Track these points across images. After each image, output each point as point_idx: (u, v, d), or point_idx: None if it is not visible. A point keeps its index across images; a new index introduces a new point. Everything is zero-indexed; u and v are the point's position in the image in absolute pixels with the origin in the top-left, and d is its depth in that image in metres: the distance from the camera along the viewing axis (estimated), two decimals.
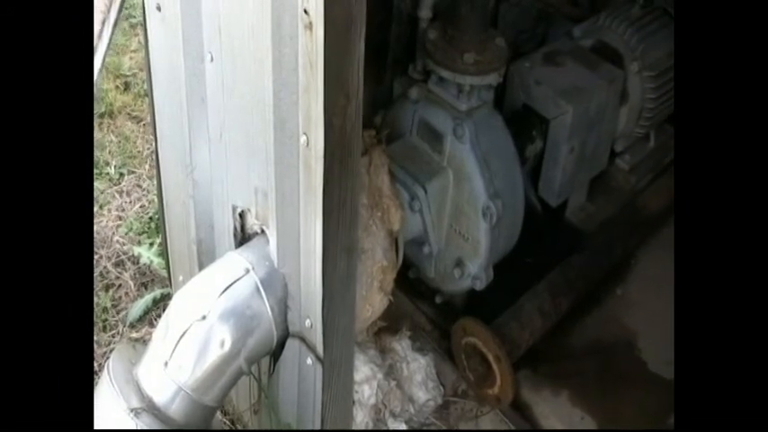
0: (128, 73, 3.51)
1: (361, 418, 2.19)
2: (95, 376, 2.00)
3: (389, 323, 2.33)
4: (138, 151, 3.19)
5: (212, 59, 1.63)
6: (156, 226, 2.75)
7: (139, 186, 3.03)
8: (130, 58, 3.58)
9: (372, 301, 1.94)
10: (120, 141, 3.23)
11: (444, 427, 2.37)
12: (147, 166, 3.10)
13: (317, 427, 1.83)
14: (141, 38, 2.33)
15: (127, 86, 3.45)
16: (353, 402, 2.11)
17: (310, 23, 1.36)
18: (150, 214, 2.88)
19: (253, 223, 1.72)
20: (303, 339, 1.73)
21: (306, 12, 1.35)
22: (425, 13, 2.28)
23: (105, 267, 2.72)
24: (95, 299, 2.57)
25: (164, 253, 2.36)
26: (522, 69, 2.51)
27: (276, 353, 1.78)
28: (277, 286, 1.69)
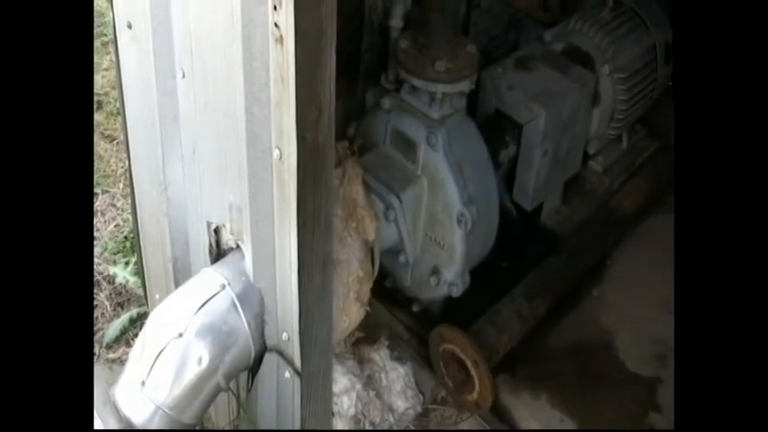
0: (100, 92, 3.47)
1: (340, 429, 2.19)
2: None
3: (367, 333, 2.33)
4: (112, 170, 3.15)
5: (184, 76, 1.63)
6: (132, 245, 2.73)
7: (114, 206, 3.00)
8: (102, 77, 3.54)
9: (349, 312, 1.94)
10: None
11: None
12: (120, 185, 3.06)
13: None
14: (113, 56, 2.32)
15: (99, 105, 3.41)
16: (333, 414, 2.11)
17: (281, 37, 1.36)
18: (125, 233, 2.86)
19: (228, 239, 1.72)
20: (281, 353, 1.73)
21: (276, 25, 1.35)
22: (396, 22, 2.28)
23: None
24: None
25: (139, 272, 2.34)
26: (494, 75, 2.51)
27: (254, 368, 1.78)
28: (253, 301, 1.68)
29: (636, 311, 2.69)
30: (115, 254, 2.81)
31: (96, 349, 2.54)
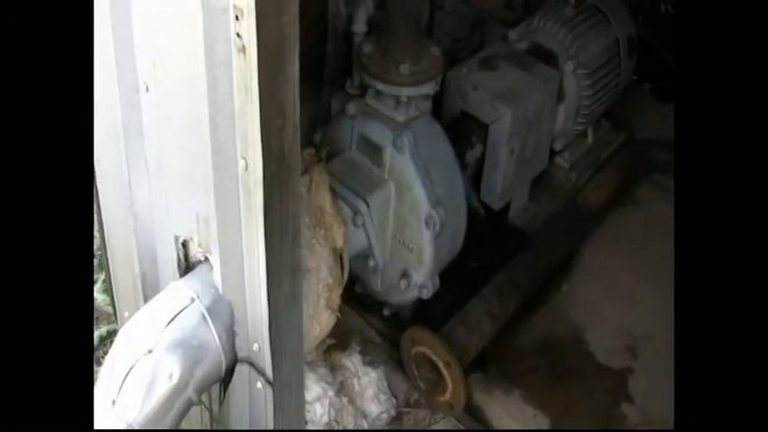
0: None
1: None
2: None
3: (339, 340, 2.33)
4: None
5: (147, 90, 1.61)
6: (99, 263, 2.69)
7: None
8: None
9: (320, 319, 1.94)
10: None
11: None
12: None
13: None
14: None
15: None
16: (306, 422, 2.10)
17: (243, 47, 1.34)
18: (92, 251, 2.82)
19: (196, 251, 1.70)
20: (252, 364, 1.72)
21: (238, 35, 1.34)
22: (360, 27, 2.28)
23: None
24: None
25: (108, 289, 2.32)
26: (458, 76, 2.52)
27: (226, 380, 1.76)
28: (223, 313, 1.67)
29: (605, 305, 2.71)
30: None
31: None
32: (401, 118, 2.22)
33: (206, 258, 1.69)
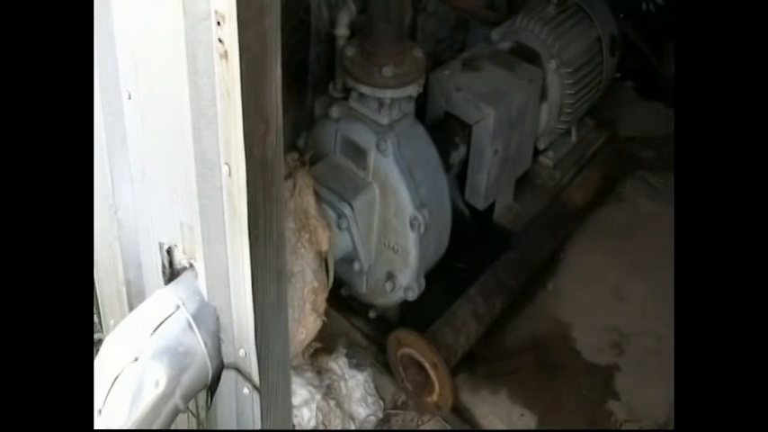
0: None
1: None
2: None
3: (325, 343, 2.33)
4: None
5: (130, 97, 1.60)
6: None
7: None
8: None
9: (306, 323, 1.94)
10: None
11: None
12: None
13: None
14: None
15: None
16: (293, 426, 2.10)
17: (225, 52, 1.34)
18: None
19: (181, 258, 1.70)
20: (238, 370, 1.71)
21: (220, 41, 1.34)
22: (342, 31, 2.28)
23: None
24: None
25: (93, 298, 2.31)
26: (441, 77, 2.52)
27: (212, 386, 1.76)
28: (209, 319, 1.66)
29: (590, 302, 2.72)
30: None
31: None
32: (384, 120, 2.22)
33: (191, 265, 1.69)
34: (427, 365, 2.33)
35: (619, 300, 2.72)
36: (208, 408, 1.84)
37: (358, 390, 2.32)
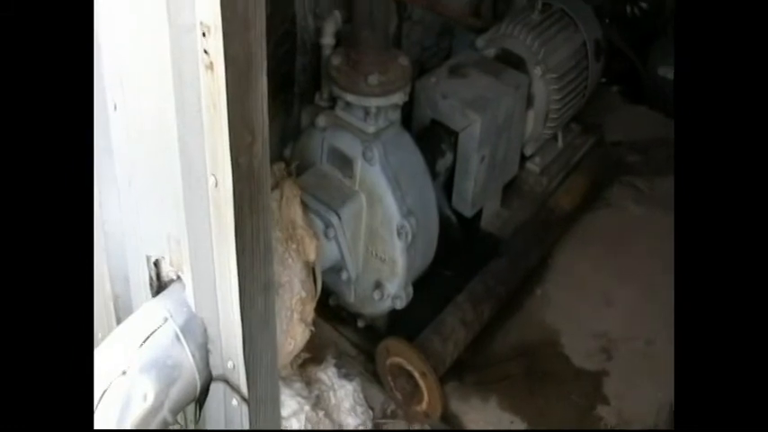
0: None
1: None
2: None
3: (314, 353, 2.32)
4: None
5: (116, 108, 1.60)
6: None
7: None
8: None
9: (294, 333, 1.93)
10: None
11: None
12: None
13: None
14: None
15: None
16: None
17: (211, 63, 1.34)
18: None
19: (168, 271, 1.69)
20: (227, 381, 1.71)
21: (206, 52, 1.33)
22: (328, 40, 2.28)
23: None
24: None
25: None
26: (427, 85, 2.52)
27: (201, 399, 1.75)
28: (197, 331, 1.65)
29: (579, 307, 2.72)
30: None
31: None
32: (371, 129, 2.22)
33: (178, 277, 1.68)
34: (416, 374, 2.33)
35: (607, 305, 2.72)
36: (196, 420, 1.83)
37: (347, 400, 2.32)
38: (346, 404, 2.31)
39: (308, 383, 2.28)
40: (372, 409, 2.39)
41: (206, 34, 1.31)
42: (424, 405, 2.36)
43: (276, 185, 1.92)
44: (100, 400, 1.57)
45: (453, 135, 2.49)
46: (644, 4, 3.68)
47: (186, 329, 1.64)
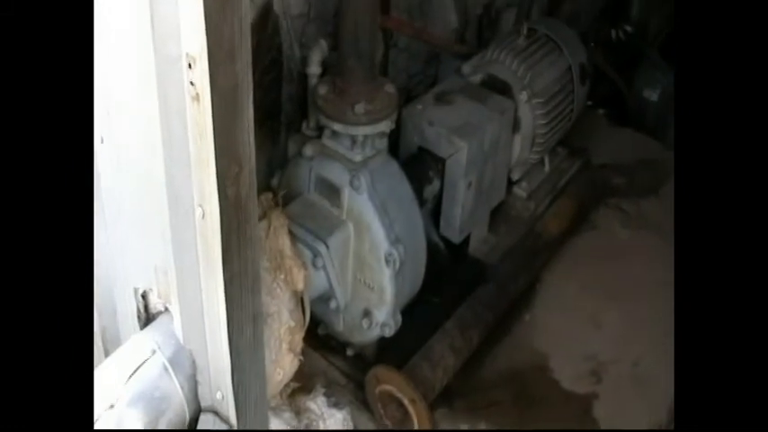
0: None
1: None
2: None
3: (303, 382, 2.31)
4: None
5: (102, 141, 1.60)
6: None
7: None
8: None
9: (283, 363, 1.92)
10: None
11: None
12: None
13: None
14: None
15: None
16: None
17: (197, 95, 1.34)
18: None
19: (156, 302, 1.69)
20: (216, 412, 1.70)
21: (192, 83, 1.33)
22: (314, 69, 2.28)
23: None
24: None
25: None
26: (414, 112, 2.52)
27: (190, 430, 1.75)
28: (185, 363, 1.65)
29: (568, 331, 2.72)
30: None
31: None
32: (358, 157, 2.22)
33: (166, 308, 1.68)
34: (406, 401, 2.32)
35: (595, 328, 2.72)
36: None
37: (337, 428, 2.31)
38: None
39: (298, 413, 2.28)
40: None
41: (192, 65, 1.31)
42: None
43: (264, 215, 1.92)
44: None
45: (440, 162, 2.50)
46: (628, 28, 3.70)
47: (175, 361, 1.64)
